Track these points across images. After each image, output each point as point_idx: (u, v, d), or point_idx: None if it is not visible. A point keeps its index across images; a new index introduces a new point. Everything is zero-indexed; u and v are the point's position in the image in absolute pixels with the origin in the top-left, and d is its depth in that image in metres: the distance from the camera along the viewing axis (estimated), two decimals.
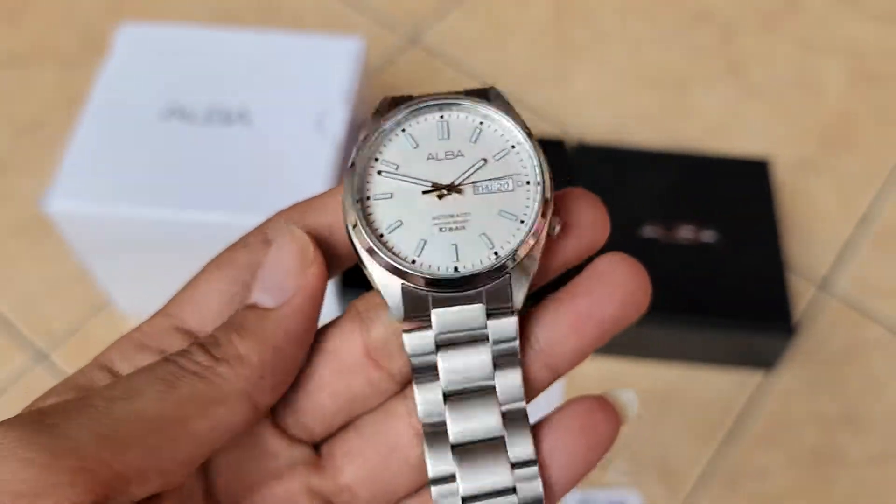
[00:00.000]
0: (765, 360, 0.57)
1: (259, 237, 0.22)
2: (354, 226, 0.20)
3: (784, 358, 0.58)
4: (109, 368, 0.21)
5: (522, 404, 0.21)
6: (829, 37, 0.76)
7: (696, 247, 0.58)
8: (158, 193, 0.49)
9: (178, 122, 0.52)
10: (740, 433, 0.56)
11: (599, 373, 0.57)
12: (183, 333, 0.21)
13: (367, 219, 0.21)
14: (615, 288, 0.20)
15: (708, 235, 0.58)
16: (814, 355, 0.59)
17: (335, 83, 0.54)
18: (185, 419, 0.18)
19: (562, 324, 0.21)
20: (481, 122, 0.22)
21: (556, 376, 0.22)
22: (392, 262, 0.20)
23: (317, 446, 0.23)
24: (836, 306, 0.61)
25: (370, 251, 0.20)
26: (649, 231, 0.58)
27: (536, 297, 0.22)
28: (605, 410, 0.21)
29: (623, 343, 0.57)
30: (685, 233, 0.58)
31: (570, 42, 0.76)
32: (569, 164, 0.62)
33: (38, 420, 0.17)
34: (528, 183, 0.21)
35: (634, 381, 0.57)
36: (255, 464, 0.23)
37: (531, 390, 0.21)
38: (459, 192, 0.21)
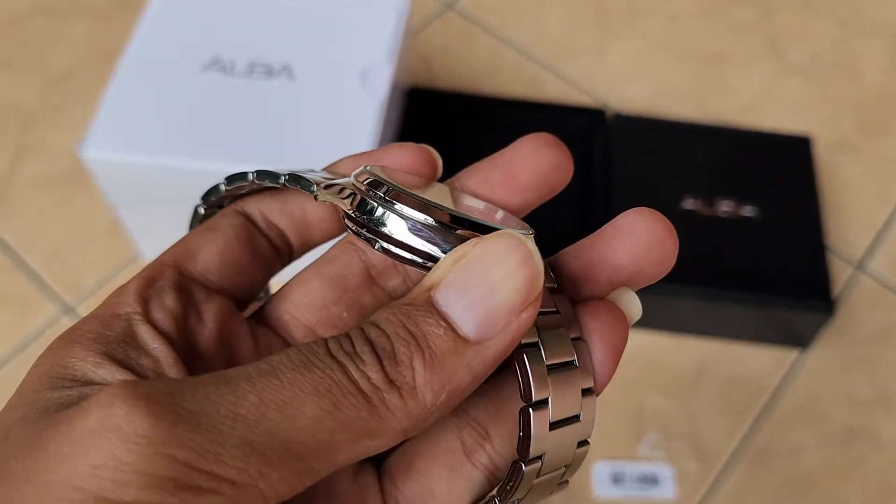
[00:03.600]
0: (800, 338, 0.56)
1: None
2: None
3: (819, 336, 0.57)
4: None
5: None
6: (869, 18, 0.75)
7: (735, 221, 0.57)
8: (196, 144, 0.48)
9: (219, 74, 0.51)
10: (774, 410, 0.55)
11: (636, 346, 0.57)
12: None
13: None
14: (632, 240, 0.19)
15: (748, 210, 0.57)
16: (849, 335, 0.58)
17: (380, 40, 0.53)
18: (334, 448, 0.15)
19: (575, 267, 0.20)
20: None
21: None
22: None
23: None
24: (872, 287, 0.60)
25: None
26: (689, 204, 0.57)
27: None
28: (615, 312, 0.19)
29: (659, 317, 0.56)
30: (725, 207, 0.57)
31: (607, 14, 0.74)
32: (607, 135, 0.61)
33: (173, 403, 0.14)
34: None
35: (669, 356, 0.57)
36: None
37: None
38: None
